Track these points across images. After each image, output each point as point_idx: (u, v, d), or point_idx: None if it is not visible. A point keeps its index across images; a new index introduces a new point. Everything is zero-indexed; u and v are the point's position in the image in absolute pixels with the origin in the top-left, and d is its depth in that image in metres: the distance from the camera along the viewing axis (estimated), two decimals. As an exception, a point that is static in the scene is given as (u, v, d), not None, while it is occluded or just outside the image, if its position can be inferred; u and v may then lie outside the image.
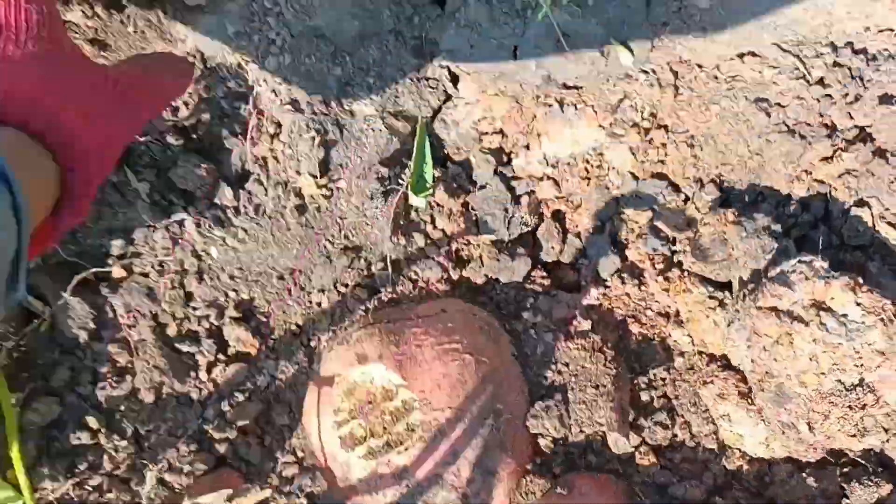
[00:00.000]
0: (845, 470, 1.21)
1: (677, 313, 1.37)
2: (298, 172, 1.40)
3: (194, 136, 1.45)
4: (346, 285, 1.43)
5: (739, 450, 1.28)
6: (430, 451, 1.25)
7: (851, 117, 1.24)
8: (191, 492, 1.27)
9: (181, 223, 1.40)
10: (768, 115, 1.29)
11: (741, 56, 1.32)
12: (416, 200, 1.44)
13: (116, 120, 0.77)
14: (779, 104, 1.29)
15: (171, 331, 1.39)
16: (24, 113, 0.69)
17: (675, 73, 1.38)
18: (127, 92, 0.79)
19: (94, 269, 1.35)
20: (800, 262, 1.17)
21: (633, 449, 1.29)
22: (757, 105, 1.30)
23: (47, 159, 0.70)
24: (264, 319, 1.42)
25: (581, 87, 1.42)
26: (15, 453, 1.26)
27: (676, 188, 1.40)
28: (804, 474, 1.21)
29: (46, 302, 1.34)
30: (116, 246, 1.38)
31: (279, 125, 1.41)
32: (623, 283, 1.42)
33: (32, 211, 0.65)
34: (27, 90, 0.70)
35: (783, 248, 1.24)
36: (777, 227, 1.25)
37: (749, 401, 1.25)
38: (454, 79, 1.48)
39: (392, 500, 1.26)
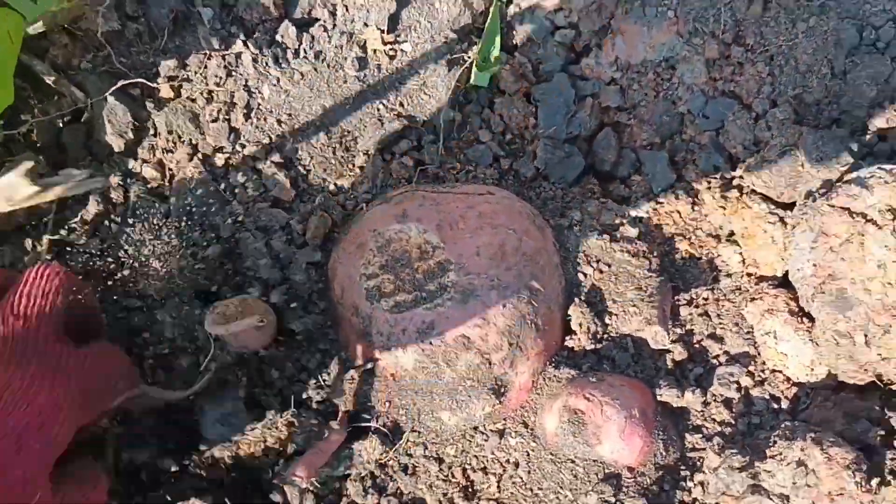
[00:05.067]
0: (894, 400, 1.14)
1: (730, 234, 1.31)
2: (366, 24, 1.36)
3: (266, -30, 1.41)
4: (393, 154, 1.38)
5: (781, 373, 1.21)
6: (459, 313, 1.18)
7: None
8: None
9: (238, 56, 1.35)
10: (860, 33, 1.25)
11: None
12: (480, 78, 1.39)
13: None
14: (871, 24, 1.25)
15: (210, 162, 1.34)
16: None
17: (766, -12, 1.35)
18: None
19: (143, 80, 1.30)
20: (879, 168, 1.12)
21: (669, 344, 1.22)
22: (849, 22, 1.26)
23: None
24: (304, 172, 1.36)
25: (666, -8, 1.39)
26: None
27: (748, 108, 1.36)
28: (844, 393, 1.14)
29: (87, 95, 1.29)
30: (168, 66, 1.34)
31: (354, -27, 1.37)
32: (676, 199, 1.37)
33: None
34: None
35: (857, 166, 1.19)
36: (854, 146, 1.20)
37: (799, 319, 1.19)
38: (537, -35, 1.45)
39: (412, 357, 1.19)
